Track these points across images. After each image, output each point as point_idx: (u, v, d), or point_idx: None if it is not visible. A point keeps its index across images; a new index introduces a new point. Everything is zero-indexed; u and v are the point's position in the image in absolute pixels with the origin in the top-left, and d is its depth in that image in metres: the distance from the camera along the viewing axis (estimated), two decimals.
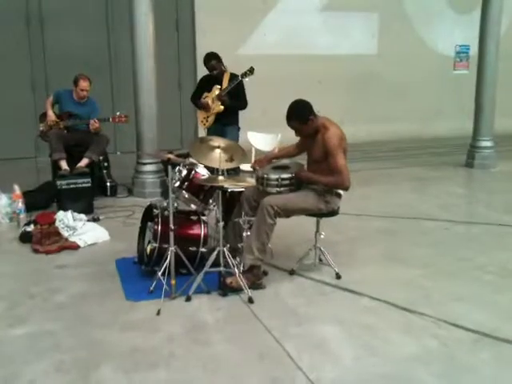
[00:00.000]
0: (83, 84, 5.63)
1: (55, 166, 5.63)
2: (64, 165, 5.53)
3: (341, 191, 3.69)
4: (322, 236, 3.84)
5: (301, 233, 4.30)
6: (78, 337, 3.02)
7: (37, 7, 8.07)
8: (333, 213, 3.75)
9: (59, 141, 5.55)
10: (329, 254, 3.85)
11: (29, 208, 5.17)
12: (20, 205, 4.96)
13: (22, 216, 4.92)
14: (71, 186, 5.35)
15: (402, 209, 5.50)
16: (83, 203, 5.35)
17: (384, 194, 6.23)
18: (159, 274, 3.49)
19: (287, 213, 3.61)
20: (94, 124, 5.58)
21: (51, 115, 5.66)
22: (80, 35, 8.18)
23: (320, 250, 3.87)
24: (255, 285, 3.53)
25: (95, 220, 5.10)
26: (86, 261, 4.18)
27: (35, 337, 3.01)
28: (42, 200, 5.55)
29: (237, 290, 3.46)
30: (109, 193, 6.11)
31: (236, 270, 3.48)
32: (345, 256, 4.11)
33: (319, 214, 3.74)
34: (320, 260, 3.95)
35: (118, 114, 5.70)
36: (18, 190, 5.12)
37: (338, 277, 3.76)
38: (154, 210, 3.69)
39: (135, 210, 5.49)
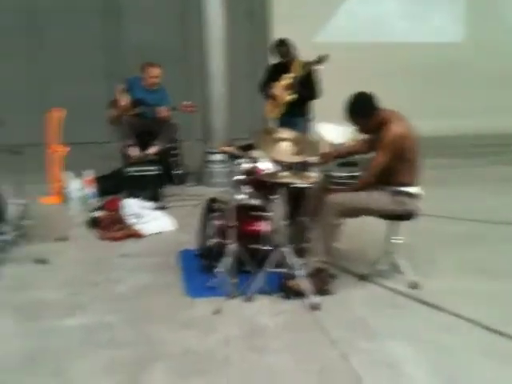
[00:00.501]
0: (152, 70, 5.58)
1: (125, 153, 5.64)
2: (134, 151, 5.54)
3: (418, 191, 3.35)
4: (397, 240, 3.52)
5: (375, 234, 3.97)
6: (133, 332, 2.94)
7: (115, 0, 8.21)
8: (410, 215, 3.41)
9: (130, 128, 5.56)
10: (404, 260, 3.53)
11: (100, 193, 5.23)
12: (90, 190, 5.01)
13: (92, 201, 4.97)
14: (139, 174, 5.34)
15: (486, 212, 4.99)
16: (151, 191, 5.31)
17: (466, 194, 5.72)
18: (219, 270, 3.34)
19: (354, 213, 3.33)
20: (162, 112, 5.53)
21: (123, 100, 5.66)
22: (154, 26, 8.23)
23: (394, 255, 3.55)
24: (321, 290, 3.28)
25: (162, 208, 5.05)
26: (150, 250, 4.13)
27: (91, 329, 2.96)
28: (113, 186, 5.58)
29: (300, 294, 3.24)
30: (177, 181, 6.06)
31: (300, 272, 3.25)
32: (422, 263, 3.75)
33: (393, 216, 3.43)
34: (394, 266, 3.63)
35: (185, 103, 5.62)
36: (89, 175, 5.18)
37: (414, 286, 3.43)
38: (216, 204, 3.54)
39: (202, 200, 5.38)
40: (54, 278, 3.59)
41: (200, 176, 6.14)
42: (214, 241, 3.49)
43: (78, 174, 5.29)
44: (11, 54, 8.03)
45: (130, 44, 8.24)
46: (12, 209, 4.08)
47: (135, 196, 4.98)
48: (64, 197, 5.29)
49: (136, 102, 5.71)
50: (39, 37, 8.18)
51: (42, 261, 3.77)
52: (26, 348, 2.76)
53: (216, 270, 3.37)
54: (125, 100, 5.66)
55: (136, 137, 5.59)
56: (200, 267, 3.64)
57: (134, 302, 3.29)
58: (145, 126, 5.66)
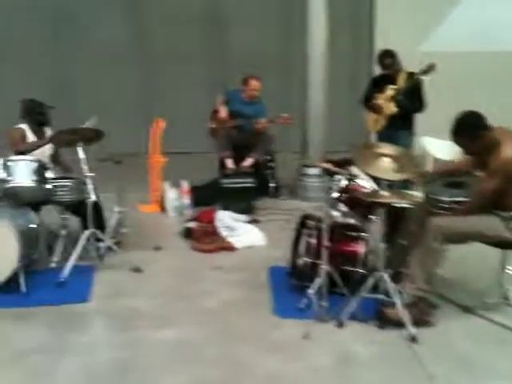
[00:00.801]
0: (253, 83, 5.56)
1: (221, 164, 5.68)
2: (230, 163, 5.55)
3: None
4: (510, 271, 3.15)
5: (484, 262, 3.59)
6: (219, 350, 2.88)
7: (221, 8, 8.36)
8: None
9: (227, 139, 5.59)
10: None
11: (196, 203, 5.29)
12: (186, 201, 5.08)
13: (187, 212, 5.03)
14: (234, 185, 5.33)
15: None
16: (245, 203, 5.28)
17: None
18: (310, 291, 3.19)
19: (462, 239, 3.03)
20: (258, 124, 5.50)
21: (223, 112, 5.71)
22: (257, 35, 8.26)
23: (506, 287, 3.18)
24: (420, 321, 3.01)
25: (254, 222, 4.99)
26: (240, 265, 4.07)
27: (179, 343, 2.93)
28: (208, 197, 5.62)
29: (397, 323, 2.98)
30: (271, 194, 5.99)
31: (398, 300, 3.00)
32: None
33: (507, 244, 3.06)
34: (506, 299, 3.24)
35: (282, 115, 5.54)
36: (185, 185, 5.26)
37: None
38: (309, 222, 3.39)
39: (296, 215, 5.25)
40: (146, 287, 3.64)
41: (294, 189, 6.02)
42: (306, 259, 3.34)
43: (175, 184, 5.40)
44: (119, 64, 8.45)
45: (234, 53, 8.34)
46: (111, 216, 4.22)
47: (229, 208, 4.98)
48: (161, 206, 5.43)
49: (234, 114, 5.73)
50: (146, 46, 8.54)
51: (136, 269, 3.85)
52: (115, 358, 2.79)
53: (307, 291, 3.22)
54: (223, 112, 5.71)
55: (232, 149, 5.60)
56: (290, 286, 3.51)
57: (222, 318, 3.23)
58: (242, 139, 5.66)
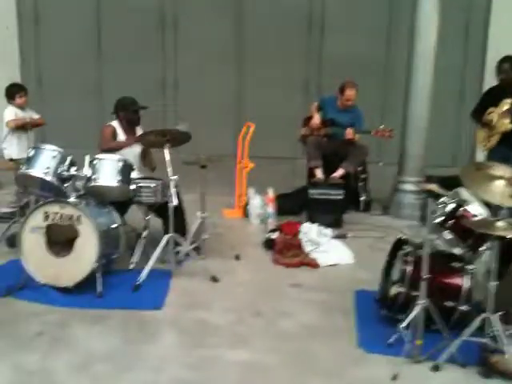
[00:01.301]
0: (349, 93, 5.20)
1: (310, 174, 5.38)
2: (319, 173, 5.23)
3: None
4: None
5: None
6: (290, 380, 2.58)
7: (320, 12, 8.09)
8: None
9: (317, 148, 5.27)
10: None
11: (280, 212, 5.04)
12: (270, 209, 4.84)
13: (271, 221, 4.79)
14: (322, 197, 5.01)
15: None
16: (332, 216, 4.96)
17: None
18: (403, 326, 2.80)
19: None
20: (348, 134, 5.13)
21: (317, 119, 5.42)
22: (357, 38, 7.89)
23: None
24: None
25: (342, 237, 4.65)
26: (323, 284, 3.75)
27: (250, 367, 2.69)
28: (294, 206, 5.36)
29: (507, 374, 2.52)
30: (362, 208, 5.59)
31: (508, 347, 2.54)
32: None
33: None
34: None
35: (381, 127, 5.13)
36: (271, 193, 5.03)
37: None
38: (405, 247, 3.00)
39: (388, 233, 4.85)
40: (221, 299, 3.44)
41: (388, 205, 5.58)
42: (399, 289, 2.96)
43: (261, 191, 5.18)
44: (216, 65, 8.44)
45: (331, 57, 8.04)
46: (193, 221, 4.07)
47: (315, 221, 4.67)
48: (245, 212, 5.24)
49: (327, 122, 5.42)
50: (244, 48, 8.46)
51: (213, 278, 3.66)
52: (182, 376, 2.60)
53: (399, 325, 2.84)
54: (317, 119, 5.42)
55: (323, 158, 5.28)
56: (379, 316, 3.14)
57: (297, 344, 2.94)
58: (333, 148, 5.32)
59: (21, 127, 4.74)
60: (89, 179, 3.43)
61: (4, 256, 3.79)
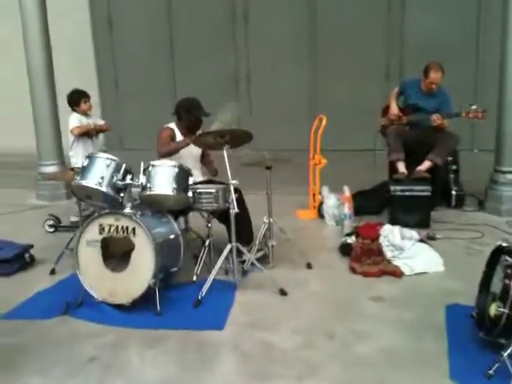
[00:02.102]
0: (434, 76, 4.58)
1: (392, 168, 4.84)
2: (401, 167, 4.68)
3: None
4: None
5: None
6: None
7: None
8: None
9: (398, 138, 4.72)
10: None
11: (358, 212, 4.58)
12: (346, 209, 4.39)
13: (347, 223, 4.34)
14: (406, 194, 4.48)
15: None
16: (418, 215, 4.42)
17: None
18: (505, 354, 2.29)
19: None
20: (435, 120, 4.53)
21: (394, 108, 4.88)
22: (443, 21, 7.18)
23: None
24: None
25: (430, 239, 4.11)
26: (408, 297, 3.27)
27: None
28: (374, 204, 4.89)
29: None
30: (453, 203, 4.98)
31: None
32: None
33: None
34: None
35: (473, 107, 4.46)
36: (347, 191, 4.58)
37: None
38: (508, 259, 2.46)
39: (485, 232, 4.23)
40: (290, 316, 3.07)
41: (483, 199, 4.91)
42: (501, 309, 2.43)
43: (336, 189, 4.74)
44: (289, 59, 8.09)
45: (413, 40, 7.40)
46: (261, 227, 3.74)
47: (398, 221, 4.18)
48: (319, 212, 4.83)
49: (409, 109, 4.85)
50: (317, 38, 8.02)
51: (281, 291, 3.31)
52: None
53: (501, 352, 2.33)
54: (395, 108, 4.87)
55: (406, 150, 4.71)
56: (476, 337, 2.62)
57: (378, 373, 2.52)
58: (417, 137, 4.74)
59: (85, 134, 4.68)
60: (144, 188, 3.20)
61: (67, 270, 3.68)
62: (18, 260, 3.84)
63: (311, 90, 8.07)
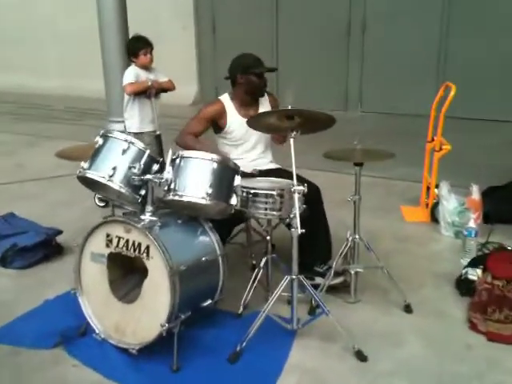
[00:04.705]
0: None
1: None
2: None
3: None
4: None
5: None
6: None
7: None
8: None
9: None
10: None
11: (487, 218, 3.31)
12: (472, 221, 3.09)
13: (474, 240, 3.04)
14: None
15: None
16: None
17: None
18: None
19: None
20: None
21: None
22: None
23: None
24: None
25: None
26: None
27: None
28: (507, 211, 3.51)
29: None
30: None
31: None
32: None
33: None
34: None
35: None
36: (476, 192, 3.29)
37: None
38: None
39: None
40: None
41: None
42: None
43: (458, 179, 3.47)
44: (414, 8, 6.59)
45: None
46: (343, 245, 2.64)
47: None
48: (432, 215, 3.59)
49: None
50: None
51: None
52: None
53: None
54: None
55: None
56: None
57: None
58: None
59: (143, 93, 3.79)
60: (168, 188, 2.23)
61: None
62: (42, 249, 3.15)
63: (441, 47, 6.54)
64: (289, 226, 2.31)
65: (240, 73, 2.78)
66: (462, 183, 3.55)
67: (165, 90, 3.92)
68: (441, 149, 3.48)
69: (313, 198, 2.55)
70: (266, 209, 2.35)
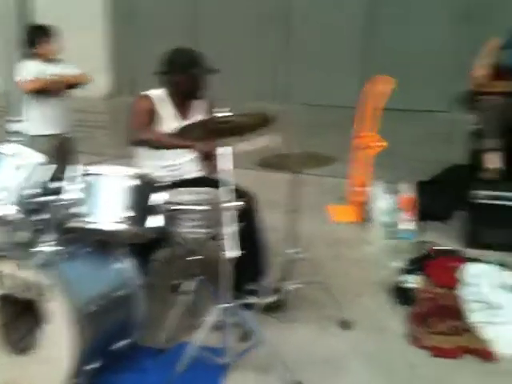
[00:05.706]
0: None
1: (476, 159, 3.30)
2: (494, 161, 3.15)
3: None
4: None
5: None
6: None
7: None
8: None
9: (495, 118, 3.17)
10: None
11: (422, 215, 3.22)
12: (405, 222, 2.97)
13: (408, 242, 2.92)
14: (498, 203, 3.03)
15: None
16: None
17: None
18: None
19: None
20: None
21: (480, 69, 3.32)
22: None
23: None
24: None
25: None
26: None
27: None
28: (442, 205, 3.43)
29: None
30: None
31: None
32: None
33: None
34: None
35: None
36: (407, 190, 3.18)
37: None
38: None
39: None
40: None
41: None
42: None
43: (392, 183, 3.34)
44: None
45: None
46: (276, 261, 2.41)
47: (481, 243, 2.79)
48: (362, 215, 3.45)
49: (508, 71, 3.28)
50: None
51: None
52: None
53: None
54: (482, 69, 3.30)
55: (501, 135, 3.20)
56: None
57: None
58: None
59: (47, 90, 3.31)
60: (74, 212, 1.87)
61: None
62: None
63: (367, 33, 6.40)
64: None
65: (174, 71, 2.44)
66: (391, 179, 3.42)
67: (75, 85, 3.46)
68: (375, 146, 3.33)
69: (249, 208, 2.29)
70: (189, 227, 2.06)
